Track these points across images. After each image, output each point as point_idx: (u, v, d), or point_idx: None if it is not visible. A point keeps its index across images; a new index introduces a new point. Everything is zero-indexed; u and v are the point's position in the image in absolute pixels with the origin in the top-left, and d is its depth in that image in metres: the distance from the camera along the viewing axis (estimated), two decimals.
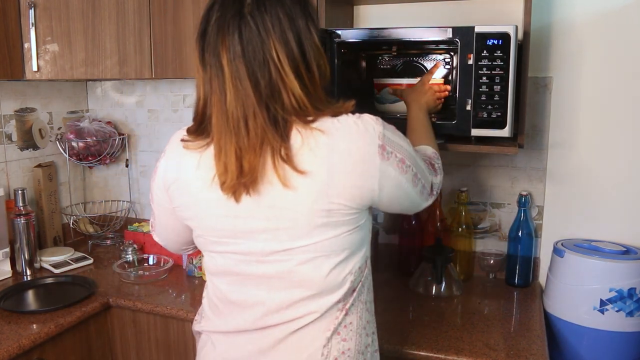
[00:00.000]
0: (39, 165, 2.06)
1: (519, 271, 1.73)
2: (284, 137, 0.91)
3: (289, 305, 0.97)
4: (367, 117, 0.95)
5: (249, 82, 0.90)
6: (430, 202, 1.11)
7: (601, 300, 1.48)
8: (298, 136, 0.91)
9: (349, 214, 0.94)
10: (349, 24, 1.82)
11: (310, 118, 0.92)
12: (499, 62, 1.33)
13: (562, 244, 1.63)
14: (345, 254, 0.96)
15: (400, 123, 1.07)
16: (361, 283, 1.01)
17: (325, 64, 0.98)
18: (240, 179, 0.91)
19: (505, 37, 1.32)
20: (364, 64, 1.71)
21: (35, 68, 1.72)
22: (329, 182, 0.90)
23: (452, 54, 1.55)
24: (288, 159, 0.90)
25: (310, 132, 0.91)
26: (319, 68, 0.95)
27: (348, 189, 0.92)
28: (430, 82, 1.40)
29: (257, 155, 0.90)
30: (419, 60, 1.62)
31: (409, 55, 1.63)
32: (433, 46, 1.56)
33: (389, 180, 0.95)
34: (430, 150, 1.22)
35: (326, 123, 0.92)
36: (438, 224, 1.80)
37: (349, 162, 0.91)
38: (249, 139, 0.90)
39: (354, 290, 1.00)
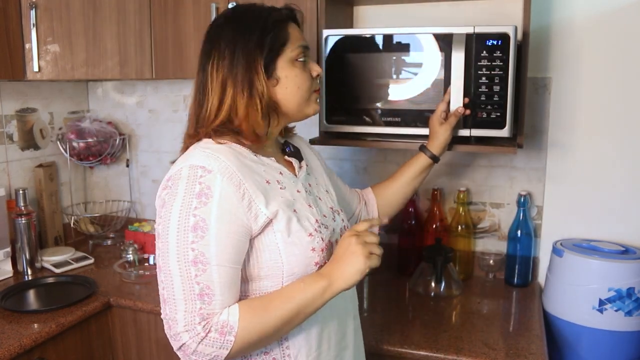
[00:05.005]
0: (40, 165, 2.07)
1: (518, 271, 1.73)
2: None
3: None
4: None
5: None
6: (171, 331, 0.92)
7: (600, 299, 1.48)
8: None
9: None
10: (349, 25, 1.83)
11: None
12: (498, 62, 1.34)
13: (561, 244, 1.63)
14: None
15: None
16: None
17: None
18: None
19: (504, 37, 1.33)
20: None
21: (36, 68, 1.73)
22: None
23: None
24: None
25: None
26: None
27: None
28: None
29: None
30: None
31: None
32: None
33: None
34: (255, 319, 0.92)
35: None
36: (438, 224, 1.80)
37: None
38: None
39: None
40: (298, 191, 1.06)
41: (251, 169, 0.98)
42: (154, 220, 2.11)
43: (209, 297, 0.89)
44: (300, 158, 1.15)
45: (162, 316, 0.93)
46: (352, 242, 0.96)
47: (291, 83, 1.04)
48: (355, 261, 0.95)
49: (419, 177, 1.41)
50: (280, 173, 1.05)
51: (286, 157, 1.13)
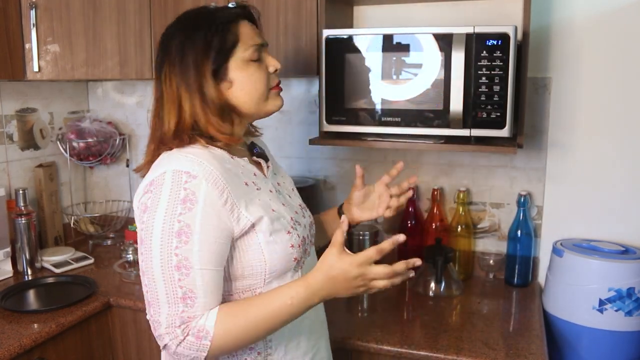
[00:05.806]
0: (40, 165, 2.07)
1: (518, 271, 1.73)
2: None
3: None
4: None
5: None
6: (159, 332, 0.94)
7: (600, 299, 1.48)
8: None
9: None
10: (349, 25, 1.83)
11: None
12: (498, 62, 1.34)
13: (561, 244, 1.63)
14: None
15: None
16: None
17: None
18: None
19: (504, 37, 1.33)
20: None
21: (36, 68, 1.73)
22: None
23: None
24: None
25: None
26: None
27: None
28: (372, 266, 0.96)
29: None
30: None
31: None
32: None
33: None
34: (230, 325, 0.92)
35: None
36: (438, 224, 1.80)
37: None
38: None
39: None
40: (270, 191, 1.08)
41: (232, 172, 0.99)
42: None
43: (192, 300, 0.91)
44: (266, 158, 1.16)
45: (147, 317, 0.97)
46: (358, 281, 0.94)
47: (246, 83, 1.02)
48: (352, 292, 0.95)
49: (332, 231, 1.32)
50: (254, 174, 1.06)
51: (254, 157, 1.13)
